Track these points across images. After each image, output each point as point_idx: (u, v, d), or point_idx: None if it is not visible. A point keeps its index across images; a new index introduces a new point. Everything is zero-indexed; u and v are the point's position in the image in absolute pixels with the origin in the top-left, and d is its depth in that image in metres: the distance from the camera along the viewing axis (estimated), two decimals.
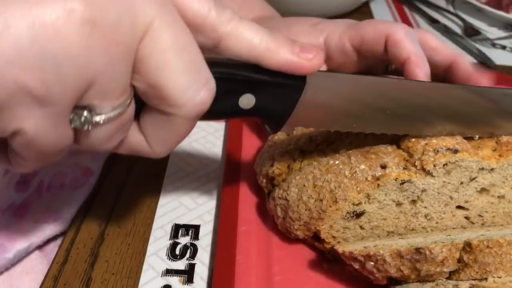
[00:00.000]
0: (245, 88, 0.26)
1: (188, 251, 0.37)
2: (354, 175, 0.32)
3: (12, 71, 0.18)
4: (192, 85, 0.22)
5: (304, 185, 0.33)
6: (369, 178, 0.32)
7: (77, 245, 0.37)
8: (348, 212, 0.32)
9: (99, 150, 0.23)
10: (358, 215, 0.33)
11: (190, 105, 0.22)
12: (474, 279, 0.28)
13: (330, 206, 0.32)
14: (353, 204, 0.32)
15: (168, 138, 0.24)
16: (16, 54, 0.18)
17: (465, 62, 0.40)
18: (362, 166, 0.32)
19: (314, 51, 0.27)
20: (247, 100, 0.27)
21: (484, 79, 0.39)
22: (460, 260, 0.29)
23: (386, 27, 0.39)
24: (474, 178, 0.33)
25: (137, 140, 0.24)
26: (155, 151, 0.25)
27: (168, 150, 0.25)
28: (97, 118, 0.21)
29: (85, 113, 0.21)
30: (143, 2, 0.21)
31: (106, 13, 0.19)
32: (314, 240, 0.34)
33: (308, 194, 0.33)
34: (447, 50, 0.41)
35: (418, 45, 0.38)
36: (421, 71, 0.37)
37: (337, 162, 0.33)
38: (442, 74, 0.41)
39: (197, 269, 0.35)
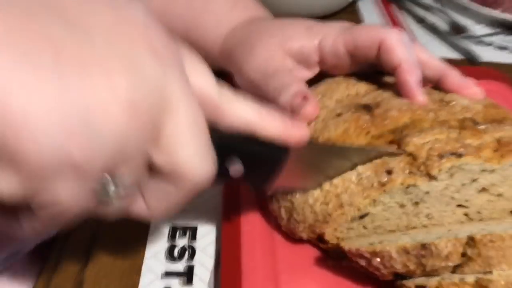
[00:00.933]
0: (234, 155, 0.29)
1: (186, 252, 0.37)
2: (360, 181, 0.32)
3: (61, 141, 0.19)
4: (203, 163, 0.23)
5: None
6: (376, 184, 0.32)
7: (69, 247, 0.36)
8: (353, 216, 0.32)
9: (108, 216, 0.24)
10: (362, 216, 0.33)
11: (198, 180, 0.23)
12: (478, 273, 0.29)
13: (336, 210, 0.32)
14: (359, 209, 0.32)
15: (168, 205, 0.25)
16: (66, 126, 0.19)
17: (454, 75, 0.40)
18: (368, 172, 0.32)
19: (302, 126, 0.30)
20: (234, 166, 0.29)
21: (473, 90, 0.39)
22: (464, 255, 0.29)
23: (379, 32, 0.39)
24: (475, 179, 0.33)
25: (139, 206, 0.25)
26: (154, 215, 0.26)
27: (165, 214, 0.26)
28: (117, 189, 0.22)
29: (109, 184, 0.21)
30: (171, 81, 0.21)
31: (141, 90, 0.20)
32: (318, 241, 0.34)
33: (314, 198, 0.33)
34: (437, 64, 0.41)
35: (411, 51, 0.39)
36: (412, 78, 0.37)
37: None
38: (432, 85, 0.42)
39: (196, 271, 0.35)
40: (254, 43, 0.43)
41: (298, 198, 0.33)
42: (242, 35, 0.46)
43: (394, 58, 0.38)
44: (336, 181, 0.32)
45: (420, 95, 0.37)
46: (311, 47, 0.42)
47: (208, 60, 0.51)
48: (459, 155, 0.32)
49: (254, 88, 0.43)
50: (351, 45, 0.40)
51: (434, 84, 0.42)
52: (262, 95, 0.42)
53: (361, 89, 0.41)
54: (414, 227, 0.34)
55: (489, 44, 0.72)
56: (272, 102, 0.40)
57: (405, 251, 0.29)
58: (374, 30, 0.40)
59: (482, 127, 0.35)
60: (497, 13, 0.76)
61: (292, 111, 0.37)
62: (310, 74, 0.43)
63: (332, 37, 0.41)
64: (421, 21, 0.78)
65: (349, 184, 0.32)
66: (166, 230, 0.38)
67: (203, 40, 0.49)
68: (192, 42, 0.50)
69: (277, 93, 0.39)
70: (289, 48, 0.42)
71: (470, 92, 0.39)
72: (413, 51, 0.39)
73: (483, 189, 0.34)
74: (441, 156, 0.32)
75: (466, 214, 0.35)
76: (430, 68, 0.41)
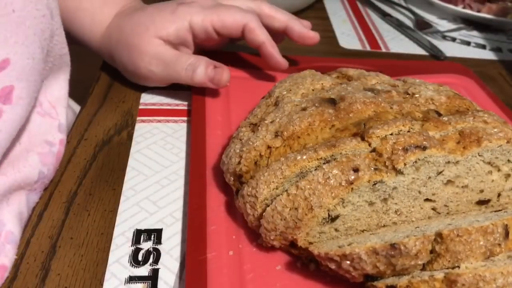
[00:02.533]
0: None
1: (151, 256, 0.35)
2: (327, 180, 0.31)
3: None
4: None
5: (276, 188, 0.33)
6: (343, 183, 0.31)
7: (27, 259, 0.34)
8: (323, 218, 0.32)
9: None
10: (333, 219, 0.32)
11: None
12: (447, 268, 0.28)
13: (306, 214, 0.31)
14: (328, 210, 0.32)
15: None
16: None
17: (296, 25, 0.51)
18: (335, 171, 0.31)
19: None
20: None
21: (312, 35, 0.51)
22: (432, 251, 0.29)
23: (242, 17, 0.48)
24: (441, 172, 0.33)
25: None
26: None
27: None
28: None
29: None
30: None
31: None
32: (290, 248, 0.33)
33: (282, 204, 0.32)
34: (281, 16, 0.52)
35: (265, 31, 0.50)
36: (275, 50, 0.50)
37: (304, 157, 0.32)
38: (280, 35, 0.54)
39: (161, 274, 0.34)
40: (133, 43, 0.48)
41: (262, 191, 0.33)
42: (117, 36, 0.50)
43: (258, 38, 0.49)
44: (303, 183, 0.32)
45: (283, 61, 0.50)
46: (184, 28, 0.48)
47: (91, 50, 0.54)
48: (423, 148, 0.32)
49: (157, 79, 0.50)
50: (219, 24, 0.48)
51: (282, 33, 0.53)
52: (168, 80, 0.50)
53: (326, 84, 0.41)
54: (384, 225, 0.34)
55: (453, 39, 0.73)
56: (184, 82, 0.48)
57: (375, 252, 0.28)
58: (238, 15, 0.48)
59: (445, 118, 0.36)
60: (459, 9, 0.77)
61: (210, 81, 0.47)
62: (191, 50, 0.51)
63: (201, 17, 0.48)
64: (386, 17, 0.79)
65: (316, 185, 0.31)
66: (130, 234, 0.37)
67: (81, 36, 0.53)
68: (72, 37, 0.52)
69: (190, 73, 0.47)
70: (166, 35, 0.48)
71: (310, 36, 0.51)
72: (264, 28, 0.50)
73: (449, 182, 0.34)
74: (405, 150, 0.32)
75: (434, 209, 0.35)
76: (277, 20, 0.52)
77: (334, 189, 0.31)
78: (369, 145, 0.33)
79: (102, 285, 0.33)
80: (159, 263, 0.35)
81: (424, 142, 0.32)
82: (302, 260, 0.34)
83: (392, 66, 0.58)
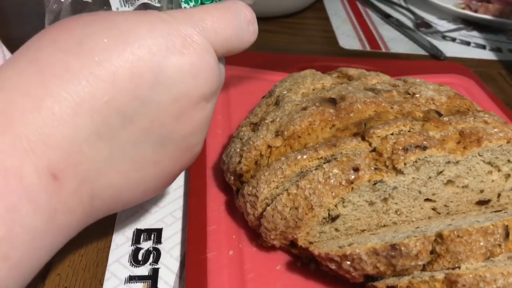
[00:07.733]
0: None
1: (151, 255, 0.35)
2: (327, 180, 0.31)
3: None
4: None
5: (276, 187, 0.32)
6: (343, 182, 0.31)
7: None
8: (324, 217, 0.32)
9: None
10: (333, 218, 0.32)
11: None
12: (447, 269, 0.28)
13: (306, 214, 0.31)
14: (329, 210, 0.31)
15: None
16: None
17: None
18: (335, 170, 0.31)
19: None
20: None
21: None
22: (432, 252, 0.29)
23: None
24: (441, 172, 0.33)
25: None
26: None
27: None
28: None
29: None
30: None
31: None
32: (290, 247, 0.33)
33: (282, 203, 0.32)
34: None
35: None
36: None
37: (304, 156, 0.32)
38: None
39: (161, 274, 0.34)
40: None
41: (262, 191, 0.33)
42: None
43: None
44: (303, 182, 0.32)
45: None
46: None
47: None
48: (424, 148, 0.32)
49: None
50: None
51: None
52: None
53: (326, 83, 0.41)
54: (384, 225, 0.34)
55: (453, 39, 0.73)
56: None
57: (375, 252, 0.28)
58: None
59: (446, 118, 0.36)
60: (459, 9, 0.77)
61: None
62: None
63: None
64: (386, 17, 0.79)
65: (317, 185, 0.31)
66: (130, 234, 0.37)
67: None
68: None
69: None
70: None
71: None
72: None
73: (449, 182, 0.34)
74: (405, 150, 0.32)
75: (434, 209, 0.35)
76: None
77: (334, 188, 0.31)
78: (370, 144, 0.33)
79: (102, 285, 0.33)
80: (159, 263, 0.35)
81: (424, 142, 0.32)
82: (302, 260, 0.34)
83: (392, 66, 0.58)
